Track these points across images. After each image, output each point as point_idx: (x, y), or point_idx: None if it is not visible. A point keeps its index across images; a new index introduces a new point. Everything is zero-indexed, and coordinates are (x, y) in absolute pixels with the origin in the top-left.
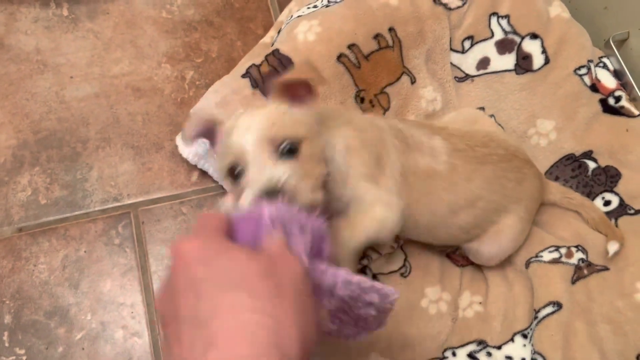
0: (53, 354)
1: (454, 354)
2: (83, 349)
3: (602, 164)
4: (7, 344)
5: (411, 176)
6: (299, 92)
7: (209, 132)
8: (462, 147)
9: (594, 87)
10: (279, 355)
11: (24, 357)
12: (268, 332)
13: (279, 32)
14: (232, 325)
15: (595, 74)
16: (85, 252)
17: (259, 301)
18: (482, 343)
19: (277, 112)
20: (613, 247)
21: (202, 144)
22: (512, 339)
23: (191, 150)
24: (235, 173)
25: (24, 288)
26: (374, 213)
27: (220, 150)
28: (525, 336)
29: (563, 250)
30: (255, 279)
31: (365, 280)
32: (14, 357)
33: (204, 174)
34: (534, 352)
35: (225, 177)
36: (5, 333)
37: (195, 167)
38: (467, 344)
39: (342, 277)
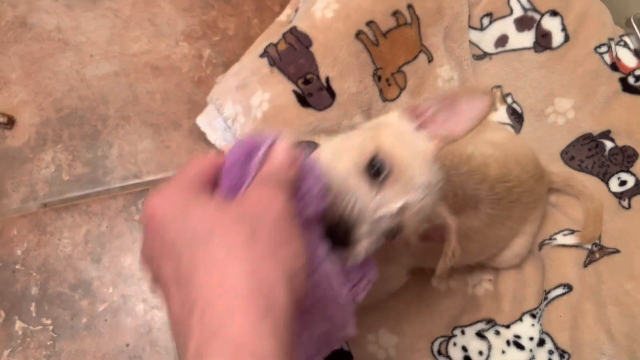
0: (78, 324)
1: (462, 332)
2: (106, 320)
3: (620, 143)
4: (34, 314)
5: None
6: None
7: None
8: (502, 195)
9: (614, 66)
10: (263, 301)
11: (51, 327)
12: (247, 280)
13: (296, 10)
14: (209, 280)
15: (616, 53)
16: (106, 227)
17: (232, 250)
18: (490, 322)
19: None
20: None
21: (229, 129)
22: (520, 319)
23: (218, 135)
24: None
25: (49, 261)
26: None
27: None
28: (534, 316)
29: (578, 234)
30: (226, 227)
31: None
32: (40, 327)
33: (221, 153)
34: (542, 332)
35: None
36: (33, 304)
37: (212, 145)
38: (476, 322)
39: None
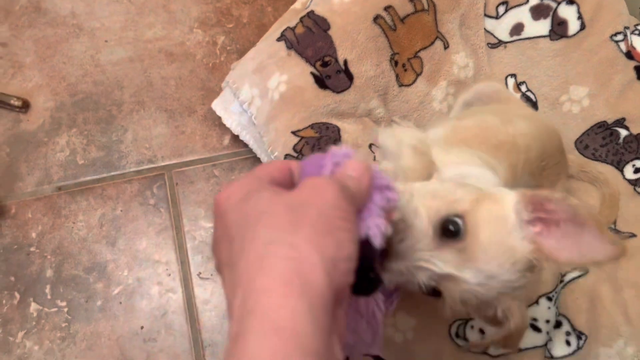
0: (92, 307)
1: None
2: (120, 303)
3: (635, 131)
4: (49, 297)
5: None
6: None
7: None
8: (537, 174)
9: (630, 54)
10: (299, 282)
11: (65, 309)
12: (286, 261)
13: None
14: (252, 261)
15: (631, 41)
16: (121, 211)
17: (276, 232)
18: None
19: None
20: None
21: (245, 113)
22: (536, 302)
23: (234, 119)
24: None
25: (64, 244)
26: None
27: None
28: (550, 299)
29: None
30: (275, 211)
31: None
32: (55, 309)
33: (235, 137)
34: (559, 314)
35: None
36: (48, 286)
37: (227, 130)
38: None
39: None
